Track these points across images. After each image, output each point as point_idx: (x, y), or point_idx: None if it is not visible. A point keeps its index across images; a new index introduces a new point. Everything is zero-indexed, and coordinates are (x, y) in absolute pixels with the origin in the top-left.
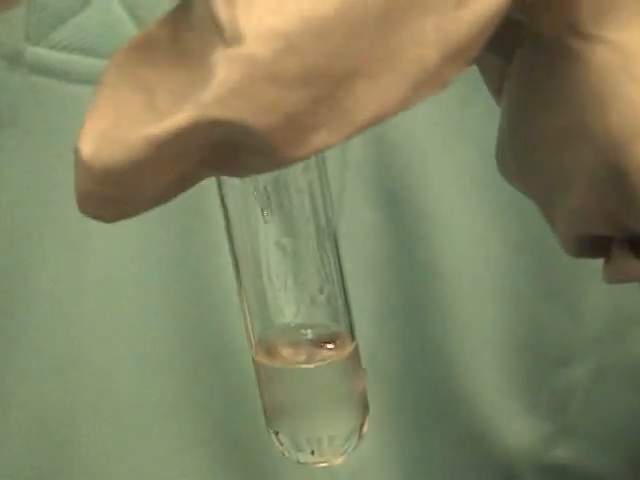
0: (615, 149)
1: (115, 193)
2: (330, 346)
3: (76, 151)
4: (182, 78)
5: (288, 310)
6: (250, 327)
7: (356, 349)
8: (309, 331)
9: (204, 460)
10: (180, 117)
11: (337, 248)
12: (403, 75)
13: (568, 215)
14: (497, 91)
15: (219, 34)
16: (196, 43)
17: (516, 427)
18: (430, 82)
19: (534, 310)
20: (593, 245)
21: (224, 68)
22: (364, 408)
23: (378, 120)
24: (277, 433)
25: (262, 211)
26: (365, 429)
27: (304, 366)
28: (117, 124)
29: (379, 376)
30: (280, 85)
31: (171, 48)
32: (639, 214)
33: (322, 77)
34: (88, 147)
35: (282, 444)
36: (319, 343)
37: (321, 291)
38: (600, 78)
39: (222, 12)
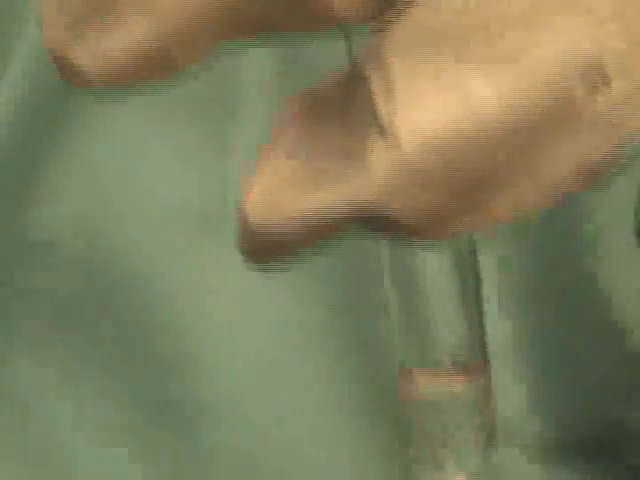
0: None
1: (270, 247)
2: (464, 377)
3: (240, 209)
4: (343, 153)
5: (430, 342)
6: (398, 357)
7: (489, 380)
8: (447, 361)
9: None
10: (334, 198)
11: (479, 294)
12: (538, 188)
13: None
14: None
15: (378, 127)
16: (358, 120)
17: None
18: (562, 191)
19: None
20: None
21: (381, 167)
22: (492, 439)
23: (511, 220)
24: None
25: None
26: (493, 456)
27: (439, 397)
28: (279, 188)
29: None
30: (430, 189)
31: (337, 116)
32: None
33: (467, 182)
34: (251, 206)
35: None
36: (456, 373)
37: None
38: None
39: (382, 107)
